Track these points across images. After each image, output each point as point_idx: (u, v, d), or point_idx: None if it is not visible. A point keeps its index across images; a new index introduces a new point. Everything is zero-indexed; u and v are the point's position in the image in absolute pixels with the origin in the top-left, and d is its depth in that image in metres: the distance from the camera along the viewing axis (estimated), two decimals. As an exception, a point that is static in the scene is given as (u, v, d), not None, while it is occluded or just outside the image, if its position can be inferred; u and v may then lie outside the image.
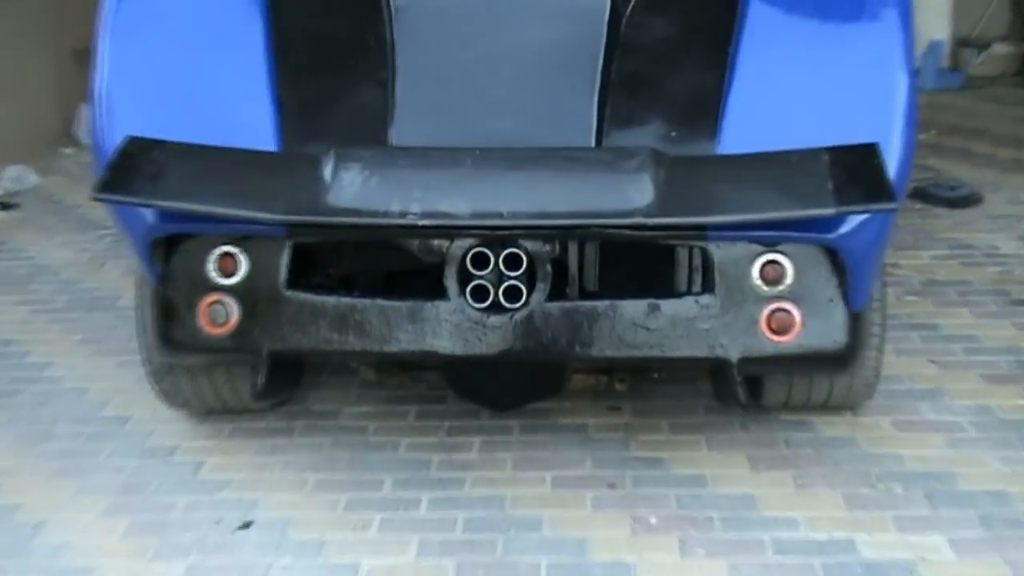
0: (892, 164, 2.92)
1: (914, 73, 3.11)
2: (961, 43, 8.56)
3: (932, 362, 4.10)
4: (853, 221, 2.97)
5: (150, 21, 3.29)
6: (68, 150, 7.21)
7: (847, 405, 3.72)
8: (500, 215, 2.86)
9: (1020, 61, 8.57)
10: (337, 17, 3.33)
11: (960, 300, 4.61)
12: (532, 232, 2.97)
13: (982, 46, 8.54)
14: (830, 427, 3.69)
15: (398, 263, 3.35)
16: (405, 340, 3.11)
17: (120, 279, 5.09)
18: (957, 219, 5.53)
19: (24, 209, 6.14)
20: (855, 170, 2.85)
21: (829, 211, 2.80)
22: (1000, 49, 8.54)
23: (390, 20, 3.26)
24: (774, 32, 3.17)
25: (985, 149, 6.69)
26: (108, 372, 4.23)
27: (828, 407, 3.72)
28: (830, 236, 2.99)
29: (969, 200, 5.72)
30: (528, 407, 3.75)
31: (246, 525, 3.27)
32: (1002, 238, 5.26)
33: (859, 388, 3.62)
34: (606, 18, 3.22)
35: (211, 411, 3.82)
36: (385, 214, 2.87)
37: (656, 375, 3.89)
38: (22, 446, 3.73)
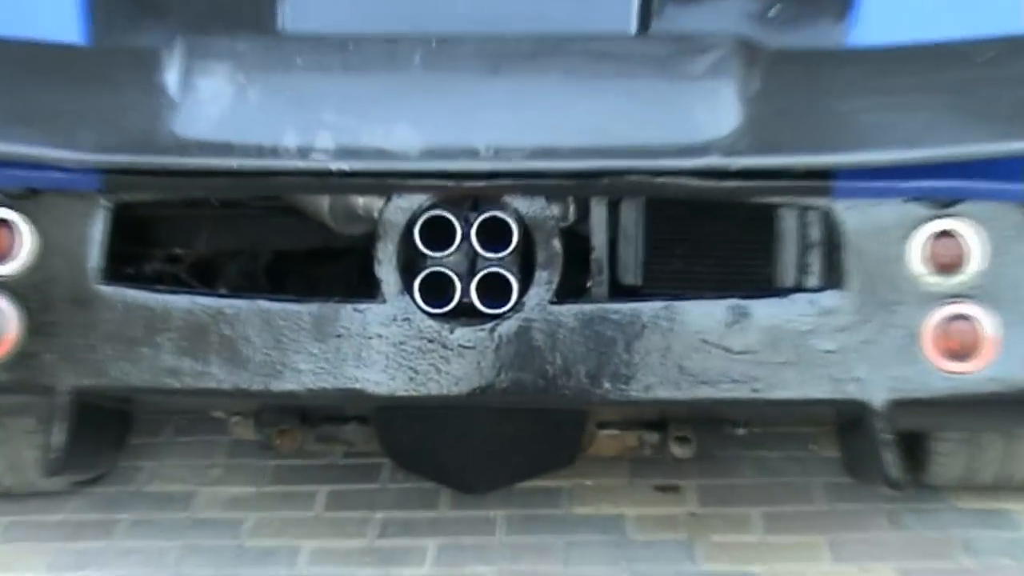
0: None
1: None
2: None
3: None
4: (1085, 163, 2.94)
5: None
6: None
7: (1071, 482, 3.72)
8: (475, 153, 2.83)
9: None
10: None
11: None
12: (533, 183, 2.94)
13: None
14: (1043, 521, 3.69)
15: (293, 239, 3.37)
16: (309, 371, 3.07)
17: None
18: None
19: None
20: None
21: (1049, 145, 2.76)
22: None
23: None
24: None
25: None
26: None
27: (1039, 486, 3.72)
28: (1045, 189, 2.96)
29: None
30: (520, 487, 3.74)
31: None
32: None
33: (1093, 453, 3.60)
34: None
35: (-26, 494, 3.80)
36: (274, 152, 2.84)
37: (740, 430, 3.84)
38: None
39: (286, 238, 3.37)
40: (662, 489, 3.89)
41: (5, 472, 3.72)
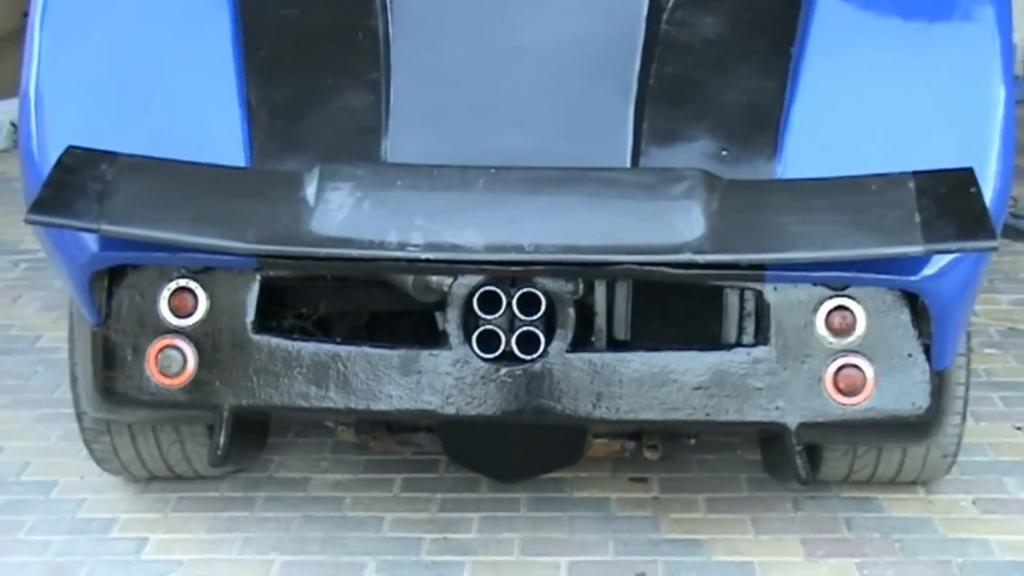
0: (987, 192, 2.90)
1: (1013, 83, 3.10)
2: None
3: (1018, 429, 4.10)
4: (940, 261, 2.95)
5: (93, 5, 3.28)
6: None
7: (920, 480, 3.72)
8: (520, 248, 2.83)
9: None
10: (319, 5, 3.30)
11: (1048, 354, 4.60)
12: (559, 270, 2.94)
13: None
14: (900, 506, 3.68)
15: (385, 303, 3.32)
16: (397, 396, 3.07)
17: (40, 315, 5.07)
18: (1039, 256, 5.52)
19: (-80, 230, 6.06)
20: (947, 200, 2.82)
21: (917, 249, 2.77)
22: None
23: (384, 9, 3.24)
24: (846, 31, 3.15)
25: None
26: (27, 428, 4.19)
27: (897, 482, 3.71)
28: (912, 279, 2.96)
29: (1054, 234, 5.69)
30: (539, 478, 3.70)
31: (200, 618, 3.24)
32: (1095, 280, 5.24)
33: (935, 460, 3.60)
34: (644, 11, 3.21)
35: (154, 477, 3.79)
36: (381, 245, 2.83)
37: (692, 440, 3.83)
38: (-76, 517, 3.68)
39: (380, 302, 3.32)
40: (636, 480, 3.86)
41: (179, 462, 3.70)
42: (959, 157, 2.94)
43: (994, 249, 2.79)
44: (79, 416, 3.56)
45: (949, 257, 2.93)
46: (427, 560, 3.46)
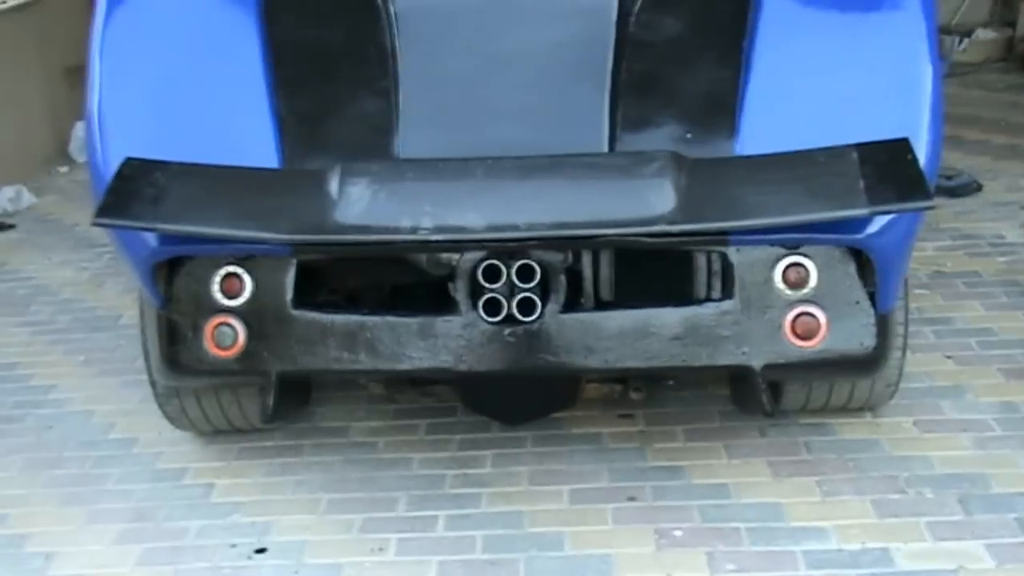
0: (921, 159, 2.75)
1: (939, 63, 2.95)
2: (943, 30, 8.36)
3: (948, 358, 3.94)
4: (881, 220, 2.80)
5: (142, 36, 3.15)
6: (63, 168, 7.03)
7: (867, 406, 3.57)
8: (516, 227, 2.69)
9: (1004, 46, 8.40)
10: (335, 26, 3.17)
11: (970, 292, 4.44)
12: (550, 244, 2.81)
13: (964, 33, 8.34)
14: (851, 430, 3.54)
15: (404, 277, 3.19)
16: (417, 357, 2.94)
17: (120, 297, 4.94)
18: (958, 208, 5.35)
19: (20, 229, 5.93)
20: (887, 167, 2.68)
21: (862, 212, 2.63)
22: (983, 35, 8.35)
23: (390, 27, 3.12)
24: (791, 24, 3.00)
25: (978, 136, 6.50)
26: (113, 393, 4.07)
27: (847, 409, 3.56)
28: (857, 236, 2.82)
29: (968, 188, 5.54)
30: (541, 419, 3.56)
31: (261, 550, 3.14)
32: (1006, 226, 5.08)
33: (880, 389, 3.46)
34: (614, 16, 3.07)
35: (217, 431, 3.67)
36: (395, 230, 2.71)
37: (670, 382, 3.72)
38: (30, 473, 3.59)
39: (398, 277, 3.19)
40: (624, 417, 3.70)
41: (237, 418, 3.57)
42: (896, 129, 2.79)
43: (931, 208, 2.65)
44: (152, 383, 3.46)
45: (890, 216, 2.79)
46: (450, 493, 3.34)
